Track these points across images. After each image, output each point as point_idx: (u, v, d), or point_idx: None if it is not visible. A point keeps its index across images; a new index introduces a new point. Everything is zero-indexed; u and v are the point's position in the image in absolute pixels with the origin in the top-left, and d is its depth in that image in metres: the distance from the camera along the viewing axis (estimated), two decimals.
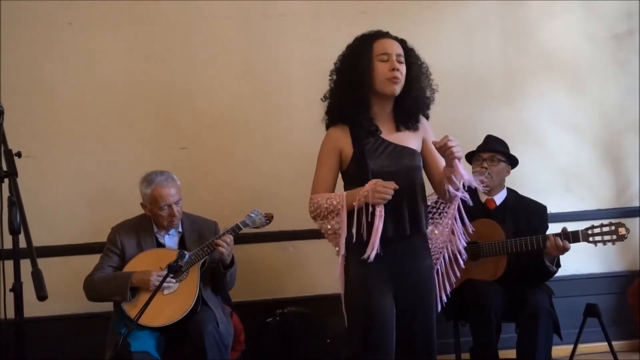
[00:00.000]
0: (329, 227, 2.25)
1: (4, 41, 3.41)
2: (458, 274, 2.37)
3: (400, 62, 2.23)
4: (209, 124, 3.57)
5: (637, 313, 3.41)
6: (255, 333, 3.22)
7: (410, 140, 2.29)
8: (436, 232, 2.40)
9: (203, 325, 2.69)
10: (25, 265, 1.71)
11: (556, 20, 3.79)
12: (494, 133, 3.24)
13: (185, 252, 2.66)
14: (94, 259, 2.98)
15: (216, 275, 2.92)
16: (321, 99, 2.35)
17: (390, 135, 2.28)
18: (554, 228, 2.96)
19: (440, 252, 2.39)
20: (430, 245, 2.36)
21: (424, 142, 2.33)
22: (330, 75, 2.33)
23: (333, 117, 2.32)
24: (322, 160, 2.31)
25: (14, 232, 1.72)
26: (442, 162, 2.21)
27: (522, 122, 3.75)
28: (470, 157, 3.21)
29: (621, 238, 2.76)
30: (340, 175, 2.33)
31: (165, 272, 2.70)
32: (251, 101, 3.60)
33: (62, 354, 3.35)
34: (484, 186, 2.27)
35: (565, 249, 2.80)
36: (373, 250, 2.10)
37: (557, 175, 3.79)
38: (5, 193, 1.79)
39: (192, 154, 3.56)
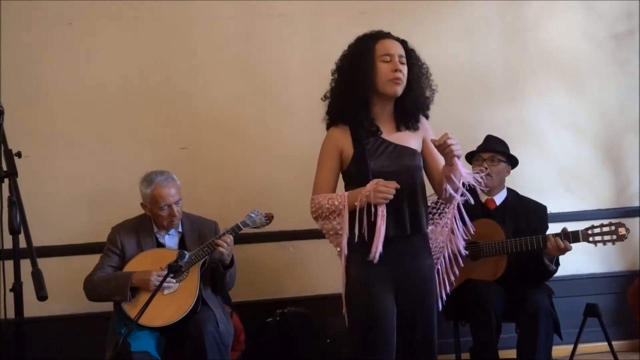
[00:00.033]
0: (331, 227, 2.25)
1: (4, 41, 3.41)
2: (457, 273, 2.36)
3: (402, 63, 2.23)
4: (209, 124, 3.57)
5: (637, 313, 3.41)
6: (255, 333, 3.22)
7: (410, 140, 2.29)
8: (436, 231, 2.40)
9: (203, 325, 2.69)
10: (25, 265, 1.71)
11: (556, 20, 3.79)
12: (494, 133, 3.24)
13: (185, 252, 2.66)
14: (94, 259, 2.98)
15: (216, 275, 2.92)
16: (321, 99, 2.36)
17: (391, 135, 2.28)
18: (554, 228, 2.97)
19: (441, 252, 2.39)
20: (431, 245, 2.36)
21: (424, 142, 2.33)
22: (332, 75, 2.33)
23: (333, 117, 2.32)
24: (323, 161, 2.31)
25: (14, 232, 1.72)
26: (442, 162, 2.21)
27: (522, 122, 3.75)
28: (470, 157, 3.21)
29: (621, 238, 2.76)
30: (341, 175, 2.33)
31: (165, 272, 2.70)
32: (251, 101, 3.60)
33: (62, 354, 3.35)
34: (482, 184, 2.25)
35: (566, 250, 2.80)
36: (377, 251, 2.10)
37: (557, 175, 3.79)
38: (5, 193, 1.79)
39: (192, 154, 3.56)
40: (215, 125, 3.57)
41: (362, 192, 2.12)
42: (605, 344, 3.04)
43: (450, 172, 2.13)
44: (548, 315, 2.83)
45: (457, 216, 2.28)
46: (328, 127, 2.35)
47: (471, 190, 2.25)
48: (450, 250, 2.36)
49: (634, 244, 3.71)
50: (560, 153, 3.79)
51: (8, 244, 1.74)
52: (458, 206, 2.25)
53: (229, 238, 2.84)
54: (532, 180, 3.62)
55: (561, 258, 2.93)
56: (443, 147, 2.07)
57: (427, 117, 2.37)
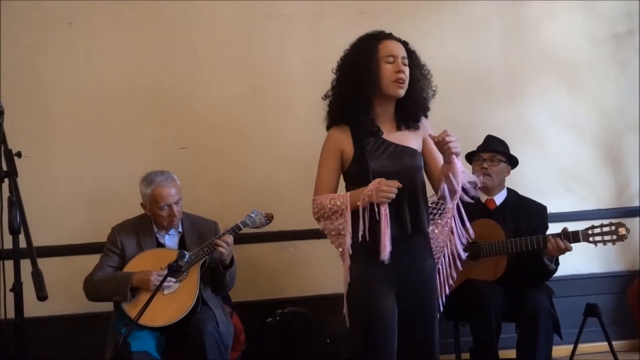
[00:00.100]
0: (333, 227, 2.25)
1: (4, 41, 3.41)
2: (454, 275, 2.35)
3: (404, 65, 2.23)
4: (209, 124, 3.57)
5: (637, 313, 3.41)
6: (255, 333, 3.22)
7: (411, 140, 2.30)
8: (437, 231, 2.39)
9: (203, 325, 2.69)
10: (25, 265, 1.71)
11: (556, 20, 3.79)
12: (494, 133, 3.24)
13: (185, 252, 2.66)
14: (94, 259, 2.98)
15: (216, 275, 2.92)
16: (322, 98, 2.36)
17: (391, 135, 2.28)
18: (554, 228, 2.97)
19: (441, 252, 2.39)
20: (432, 245, 2.36)
21: (424, 141, 2.33)
22: (334, 73, 2.33)
23: (334, 117, 2.32)
24: (324, 162, 2.31)
25: (14, 232, 1.72)
26: (442, 161, 2.21)
27: (522, 122, 3.75)
28: (470, 157, 3.21)
29: (621, 238, 2.76)
30: (342, 176, 2.33)
31: (165, 272, 2.70)
32: (251, 101, 3.60)
33: (62, 354, 3.35)
34: (476, 188, 2.24)
35: (566, 250, 2.80)
36: (386, 250, 2.10)
37: (557, 175, 3.79)
38: (5, 193, 1.79)
39: (192, 154, 3.55)
40: (215, 125, 3.57)
41: (365, 191, 2.12)
42: (605, 344, 3.04)
43: (449, 170, 2.13)
44: (548, 315, 2.83)
45: (457, 217, 2.27)
46: (328, 127, 2.35)
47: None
48: (449, 250, 2.36)
49: (634, 244, 3.71)
50: (560, 153, 3.79)
51: (8, 244, 1.74)
52: (458, 207, 2.25)
53: (229, 238, 2.84)
54: (532, 180, 3.61)
55: (561, 258, 2.93)
56: (442, 144, 2.07)
57: (426, 116, 2.38)
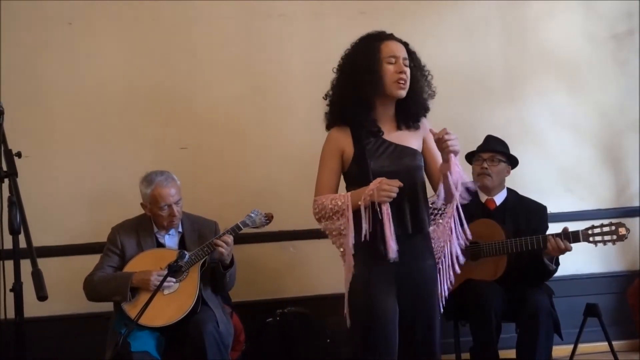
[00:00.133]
0: (334, 227, 2.25)
1: (4, 41, 3.41)
2: (452, 276, 2.34)
3: (405, 66, 2.24)
4: (208, 124, 3.57)
5: (637, 313, 3.41)
6: (255, 333, 3.22)
7: (411, 140, 2.29)
8: (438, 231, 2.39)
9: (203, 325, 2.69)
10: (25, 265, 1.71)
11: (556, 20, 3.80)
12: (494, 133, 3.24)
13: (185, 252, 2.66)
14: (94, 259, 2.98)
15: (216, 275, 2.92)
16: (323, 97, 2.35)
17: (391, 135, 2.28)
18: (554, 228, 2.97)
19: (442, 252, 2.38)
20: (432, 245, 2.36)
21: (424, 141, 2.33)
22: (335, 73, 2.33)
23: (334, 118, 2.32)
24: (324, 162, 2.30)
25: (14, 232, 1.72)
26: (441, 161, 2.21)
27: (522, 122, 3.75)
28: (470, 157, 3.21)
29: (621, 238, 2.76)
30: (342, 176, 2.33)
31: (165, 272, 2.70)
32: (251, 101, 3.60)
33: (62, 354, 3.35)
34: (472, 190, 2.23)
35: (566, 250, 2.80)
36: (392, 249, 2.10)
37: (557, 175, 3.79)
38: (5, 193, 1.79)
39: (192, 154, 3.56)
40: (215, 125, 3.57)
41: (366, 191, 2.12)
42: (605, 343, 3.04)
43: (447, 169, 2.13)
44: (548, 315, 2.83)
45: (456, 218, 2.27)
46: (328, 127, 2.35)
47: (471, 190, 2.24)
48: (449, 250, 2.35)
49: (634, 244, 3.71)
50: (560, 153, 3.79)
51: (8, 244, 1.74)
52: (457, 208, 2.25)
53: (229, 238, 2.84)
54: (532, 180, 3.62)
55: (561, 258, 2.93)
56: (441, 141, 2.08)
57: (425, 116, 2.37)
